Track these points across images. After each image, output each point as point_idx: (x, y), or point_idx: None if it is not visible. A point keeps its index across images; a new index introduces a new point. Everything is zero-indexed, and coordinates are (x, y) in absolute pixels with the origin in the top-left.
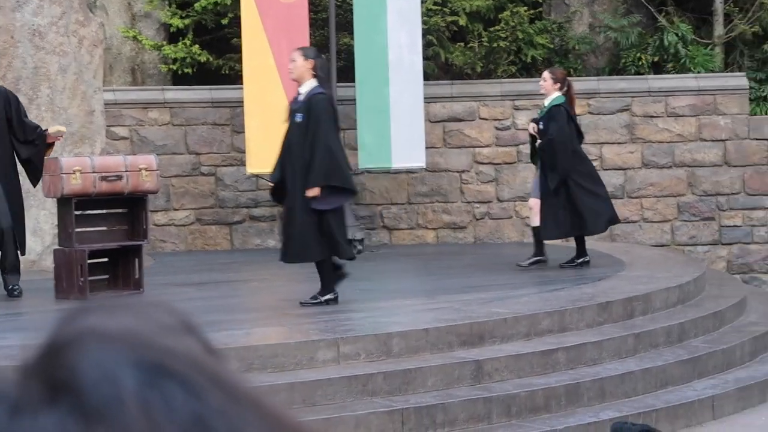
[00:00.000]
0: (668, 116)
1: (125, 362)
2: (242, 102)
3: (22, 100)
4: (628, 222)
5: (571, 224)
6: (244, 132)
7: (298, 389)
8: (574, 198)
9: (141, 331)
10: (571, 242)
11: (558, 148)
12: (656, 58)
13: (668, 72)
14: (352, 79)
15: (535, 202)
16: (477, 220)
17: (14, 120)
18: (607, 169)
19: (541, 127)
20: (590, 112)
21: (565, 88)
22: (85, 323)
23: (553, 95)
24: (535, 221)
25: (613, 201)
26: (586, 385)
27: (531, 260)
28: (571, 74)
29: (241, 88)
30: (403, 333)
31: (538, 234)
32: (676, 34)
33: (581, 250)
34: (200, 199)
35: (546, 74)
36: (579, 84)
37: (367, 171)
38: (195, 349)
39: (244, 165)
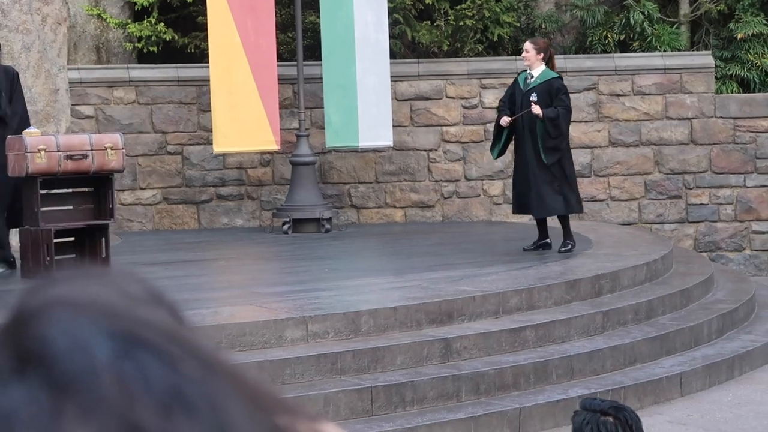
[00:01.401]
0: (635, 95)
1: (98, 332)
2: (208, 80)
3: None
4: (596, 200)
5: (562, 203)
6: (210, 111)
7: (267, 368)
8: (566, 177)
9: (111, 300)
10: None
11: (569, 121)
12: (622, 37)
13: (634, 50)
14: (319, 58)
15: None
16: (445, 198)
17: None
18: (574, 148)
19: (534, 98)
20: None
21: (548, 58)
22: (53, 293)
23: (541, 66)
24: None
25: (581, 179)
26: (554, 362)
27: (536, 242)
28: None
29: (207, 67)
30: (372, 311)
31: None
32: (642, 13)
33: (544, 231)
34: (167, 178)
35: (528, 45)
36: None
37: (334, 149)
38: (167, 318)
39: (211, 144)
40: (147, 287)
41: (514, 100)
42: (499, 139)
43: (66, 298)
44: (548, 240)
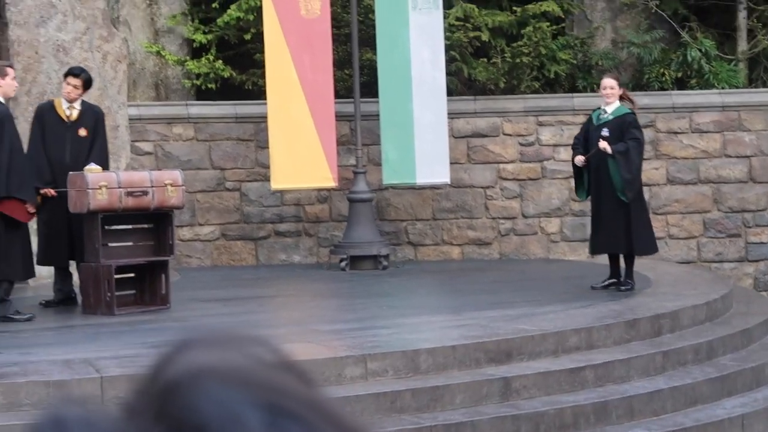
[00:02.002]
0: (692, 132)
1: (247, 403)
2: (266, 117)
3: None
4: (655, 238)
5: (625, 242)
6: (268, 147)
7: None
8: (633, 214)
9: (251, 368)
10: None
11: (641, 153)
12: (680, 74)
13: (692, 88)
14: (375, 95)
15: None
16: (502, 236)
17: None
18: None
19: (606, 134)
20: None
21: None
22: (194, 360)
23: (615, 103)
24: None
25: None
26: (614, 402)
27: (606, 282)
28: (595, 90)
29: (265, 104)
30: (431, 350)
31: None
32: (700, 50)
33: (617, 270)
34: (225, 214)
35: (611, 81)
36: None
37: (391, 186)
38: (302, 385)
39: (269, 180)
40: (276, 351)
41: (588, 137)
42: (581, 178)
43: (209, 367)
44: (619, 279)
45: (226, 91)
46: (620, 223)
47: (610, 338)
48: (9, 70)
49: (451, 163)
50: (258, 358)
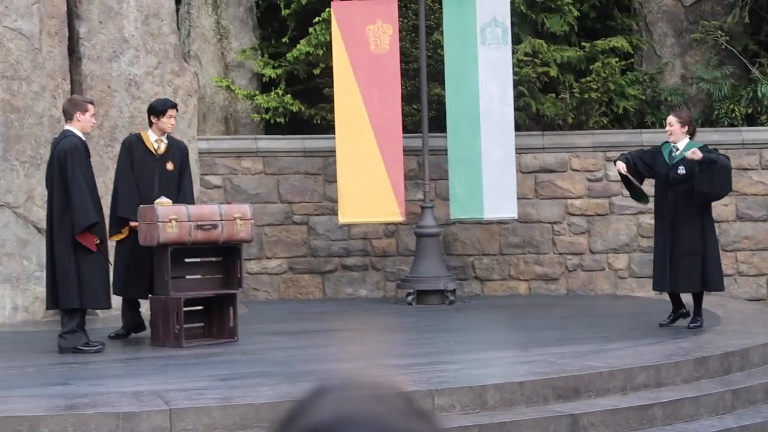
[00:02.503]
0: (762, 169)
1: None
2: (334, 151)
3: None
4: (724, 275)
5: (700, 279)
6: (335, 181)
7: None
8: (709, 249)
9: (392, 417)
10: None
11: (730, 169)
12: (750, 110)
13: (762, 124)
14: (443, 129)
15: None
16: (569, 271)
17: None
18: None
19: (682, 171)
20: None
21: (692, 131)
22: (334, 406)
23: (685, 139)
24: None
25: None
26: None
27: (672, 316)
28: (664, 126)
29: (333, 138)
30: (498, 385)
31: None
32: None
33: (679, 302)
34: (293, 247)
35: (671, 118)
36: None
37: (458, 221)
38: None
39: (336, 214)
40: (408, 398)
41: (648, 164)
42: (630, 185)
43: (353, 415)
44: (685, 309)
45: (294, 125)
46: (696, 260)
47: (679, 376)
48: (89, 106)
49: (518, 198)
50: (394, 405)
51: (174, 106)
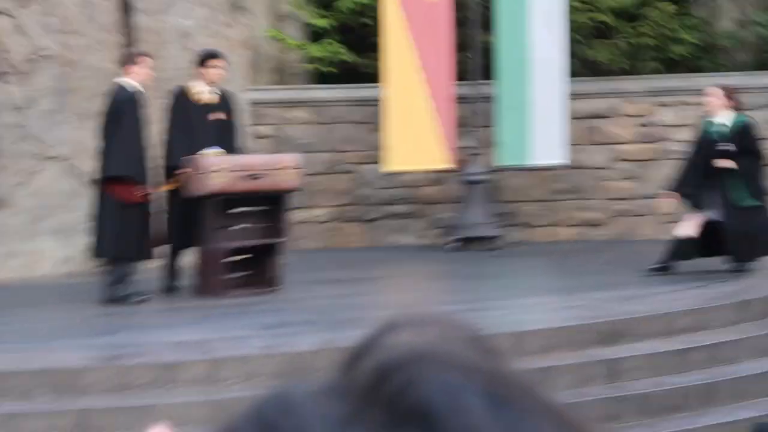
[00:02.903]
0: None
1: (471, 391)
2: (385, 101)
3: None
4: None
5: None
6: (385, 130)
7: None
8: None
9: (468, 354)
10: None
11: (758, 169)
12: None
13: None
14: (494, 77)
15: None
16: (615, 217)
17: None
18: None
19: (731, 148)
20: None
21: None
22: (405, 343)
23: (726, 114)
24: (687, 231)
25: None
26: (723, 384)
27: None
28: (719, 70)
29: (384, 87)
30: (538, 331)
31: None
32: None
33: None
34: (340, 196)
35: (708, 89)
36: (725, 80)
37: (506, 168)
38: (512, 370)
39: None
40: (479, 336)
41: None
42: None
43: (428, 351)
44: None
45: (346, 75)
46: (749, 232)
47: (720, 319)
48: (143, 58)
49: (570, 144)
50: (466, 342)
51: (214, 56)
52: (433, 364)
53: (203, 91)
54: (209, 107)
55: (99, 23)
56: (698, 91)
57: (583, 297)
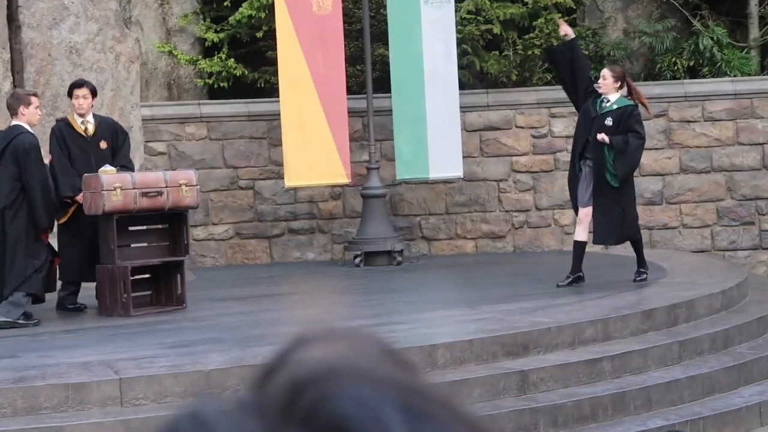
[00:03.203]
0: (705, 121)
1: (387, 403)
2: (279, 115)
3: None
4: (668, 228)
5: (623, 231)
6: (281, 145)
7: None
8: (626, 201)
9: (381, 367)
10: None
11: (641, 150)
12: (692, 63)
13: (704, 76)
14: (388, 90)
15: (585, 213)
16: (516, 228)
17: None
18: (645, 175)
19: (609, 123)
20: None
21: (624, 87)
22: (317, 357)
23: (617, 95)
24: (581, 235)
25: (652, 207)
26: (632, 393)
27: (570, 278)
28: None
29: (278, 101)
30: (448, 344)
31: (580, 249)
32: (711, 38)
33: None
34: (239, 212)
35: (606, 72)
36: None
37: (404, 181)
38: (427, 383)
39: (282, 178)
40: (391, 349)
41: (579, 94)
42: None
43: (337, 366)
44: (581, 273)
45: (238, 89)
46: (616, 213)
47: (626, 329)
48: (33, 99)
49: (463, 157)
50: (380, 355)
51: (76, 85)
52: (347, 378)
53: (85, 122)
54: (93, 137)
55: None
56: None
57: (489, 309)
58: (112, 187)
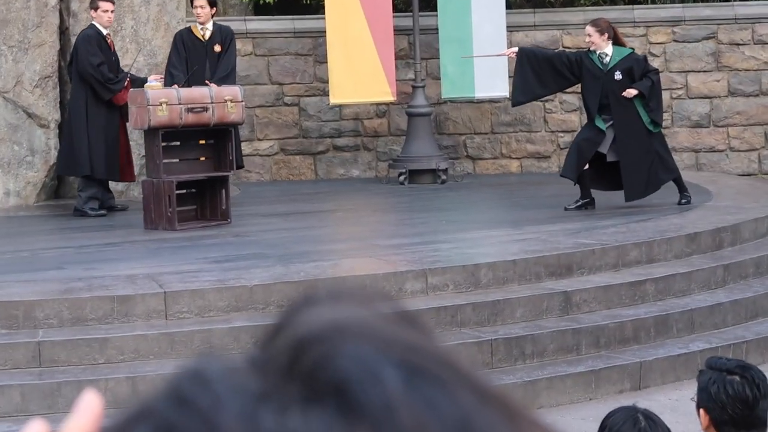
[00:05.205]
0: (755, 44)
1: (385, 361)
2: (324, 32)
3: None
4: (715, 151)
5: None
6: (326, 62)
7: None
8: (662, 146)
9: (384, 325)
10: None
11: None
12: None
13: None
14: (434, 8)
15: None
16: (561, 149)
17: None
18: (692, 98)
19: (619, 77)
20: (675, 40)
21: (613, 35)
22: (323, 316)
23: (609, 47)
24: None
25: (699, 130)
26: (675, 316)
27: (579, 203)
28: (656, 1)
29: (324, 18)
30: (491, 264)
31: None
32: None
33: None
34: (284, 129)
35: (589, 28)
36: (663, 11)
37: (450, 100)
38: (432, 342)
39: (327, 95)
40: (399, 307)
41: (572, 63)
42: (524, 76)
43: (342, 324)
44: (593, 197)
45: (284, 5)
46: (648, 162)
47: (670, 252)
48: (100, 3)
49: (509, 77)
50: (385, 313)
51: None
52: (350, 337)
53: (203, 28)
54: (209, 41)
55: None
56: (636, 23)
57: (532, 230)
58: (158, 102)
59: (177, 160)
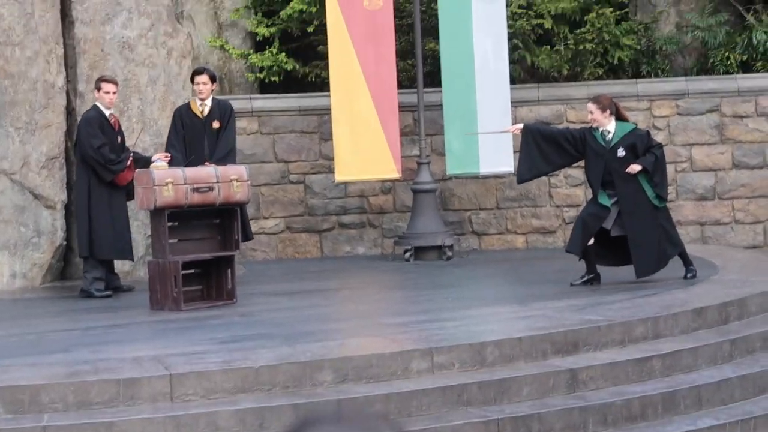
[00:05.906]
0: (758, 116)
1: None
2: (329, 109)
3: (113, 111)
4: (720, 224)
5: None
6: (331, 139)
7: (394, 400)
8: (665, 221)
9: None
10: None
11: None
12: (745, 57)
13: (757, 71)
14: (439, 84)
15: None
16: (566, 224)
17: None
18: (697, 171)
19: (622, 153)
20: (679, 113)
21: (615, 111)
22: None
23: (612, 122)
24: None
25: (704, 203)
26: (682, 392)
27: (585, 278)
28: (659, 75)
29: (328, 96)
30: (497, 342)
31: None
32: (765, 32)
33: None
34: (289, 207)
35: (591, 106)
36: (667, 85)
37: (455, 176)
38: None
39: (333, 172)
40: (398, 427)
41: (575, 140)
42: (529, 154)
43: None
44: (598, 273)
45: (289, 84)
46: (654, 238)
47: (677, 327)
48: (101, 84)
49: (514, 152)
50: None
51: (199, 72)
52: None
53: (202, 104)
54: (207, 118)
55: (39, 35)
56: (640, 97)
57: (539, 306)
58: (164, 183)
59: (176, 240)
